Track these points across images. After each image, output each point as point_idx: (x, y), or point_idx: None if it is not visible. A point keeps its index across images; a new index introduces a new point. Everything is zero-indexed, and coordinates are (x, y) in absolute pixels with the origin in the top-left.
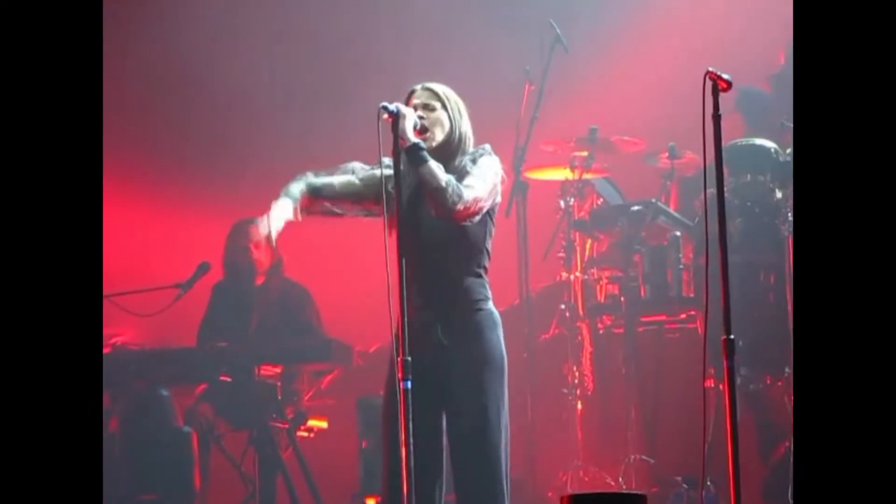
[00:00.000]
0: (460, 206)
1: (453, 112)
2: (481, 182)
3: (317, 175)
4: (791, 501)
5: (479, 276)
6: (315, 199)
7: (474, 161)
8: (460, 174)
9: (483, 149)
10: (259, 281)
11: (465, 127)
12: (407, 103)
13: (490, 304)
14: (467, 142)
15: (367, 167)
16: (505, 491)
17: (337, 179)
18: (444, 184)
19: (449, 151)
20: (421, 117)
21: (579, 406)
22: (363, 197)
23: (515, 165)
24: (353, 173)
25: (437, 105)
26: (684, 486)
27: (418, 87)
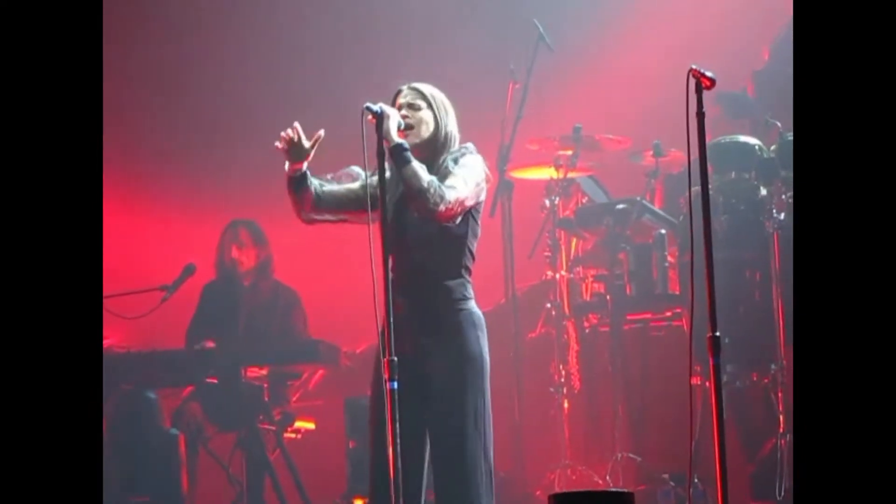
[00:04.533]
0: (442, 207)
1: (439, 111)
2: (463, 183)
3: (321, 184)
4: (779, 498)
5: (462, 276)
6: (319, 209)
7: (456, 161)
8: (443, 174)
9: (466, 147)
10: (246, 282)
11: (451, 127)
12: (393, 103)
13: (472, 304)
14: (453, 141)
15: (364, 172)
16: (480, 492)
17: (339, 188)
18: (426, 185)
19: (434, 150)
20: (405, 116)
21: (566, 405)
22: (364, 204)
23: (500, 165)
24: (353, 180)
25: (423, 104)
26: (671, 483)
27: (405, 86)
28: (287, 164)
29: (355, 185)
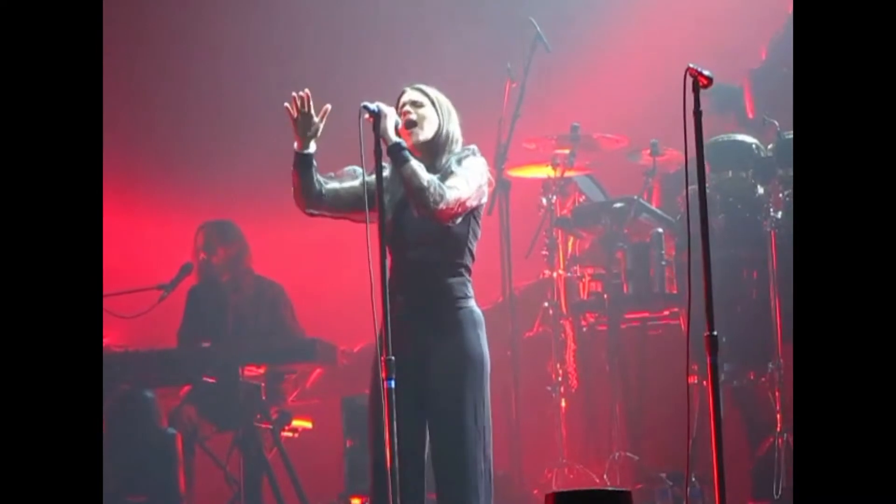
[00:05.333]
0: (442, 206)
1: (441, 110)
2: (465, 183)
3: (325, 180)
4: (777, 497)
5: (462, 275)
6: (321, 205)
7: (459, 162)
8: (445, 174)
9: (469, 149)
10: (223, 278)
11: (453, 127)
12: (396, 103)
13: (471, 303)
14: (454, 142)
15: (363, 172)
16: (479, 490)
17: (341, 186)
18: (426, 183)
19: (435, 149)
20: (408, 112)
21: (563, 403)
22: (364, 202)
23: (497, 163)
24: (354, 179)
25: (426, 101)
26: (669, 482)
27: (408, 87)
28: (295, 142)
29: (356, 183)
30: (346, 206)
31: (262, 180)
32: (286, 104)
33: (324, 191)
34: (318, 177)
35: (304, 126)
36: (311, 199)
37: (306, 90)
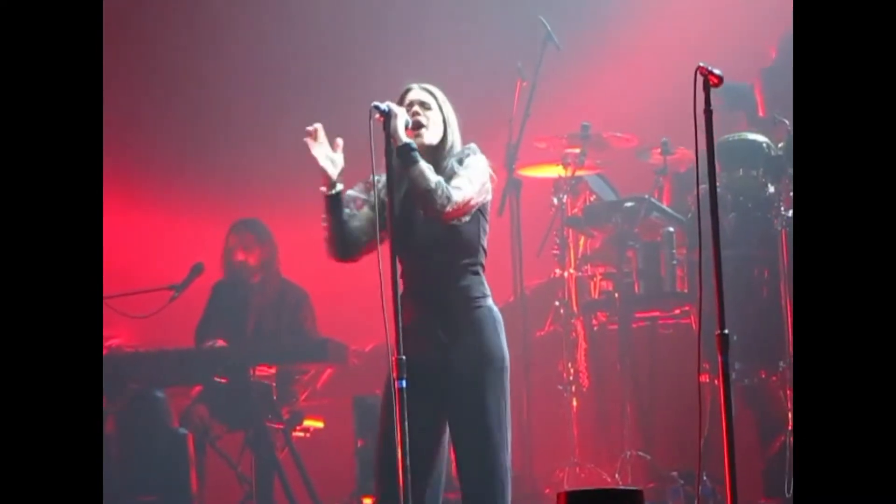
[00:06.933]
0: (449, 208)
1: (447, 114)
2: (469, 182)
3: (349, 220)
4: (788, 495)
5: (477, 273)
6: (357, 251)
7: (461, 161)
8: (448, 175)
9: (469, 148)
10: (254, 279)
11: (455, 131)
12: (401, 100)
13: (489, 301)
14: (456, 145)
15: (363, 194)
16: (506, 489)
17: (361, 223)
18: (433, 185)
19: (441, 152)
20: (417, 113)
21: (575, 403)
22: (383, 225)
23: (508, 163)
24: (361, 206)
25: (433, 104)
26: (680, 481)
27: (414, 85)
28: (322, 185)
29: (367, 210)
30: (373, 237)
31: (274, 179)
32: (306, 139)
33: (354, 235)
34: (347, 224)
35: (323, 158)
36: (346, 249)
37: (316, 124)
